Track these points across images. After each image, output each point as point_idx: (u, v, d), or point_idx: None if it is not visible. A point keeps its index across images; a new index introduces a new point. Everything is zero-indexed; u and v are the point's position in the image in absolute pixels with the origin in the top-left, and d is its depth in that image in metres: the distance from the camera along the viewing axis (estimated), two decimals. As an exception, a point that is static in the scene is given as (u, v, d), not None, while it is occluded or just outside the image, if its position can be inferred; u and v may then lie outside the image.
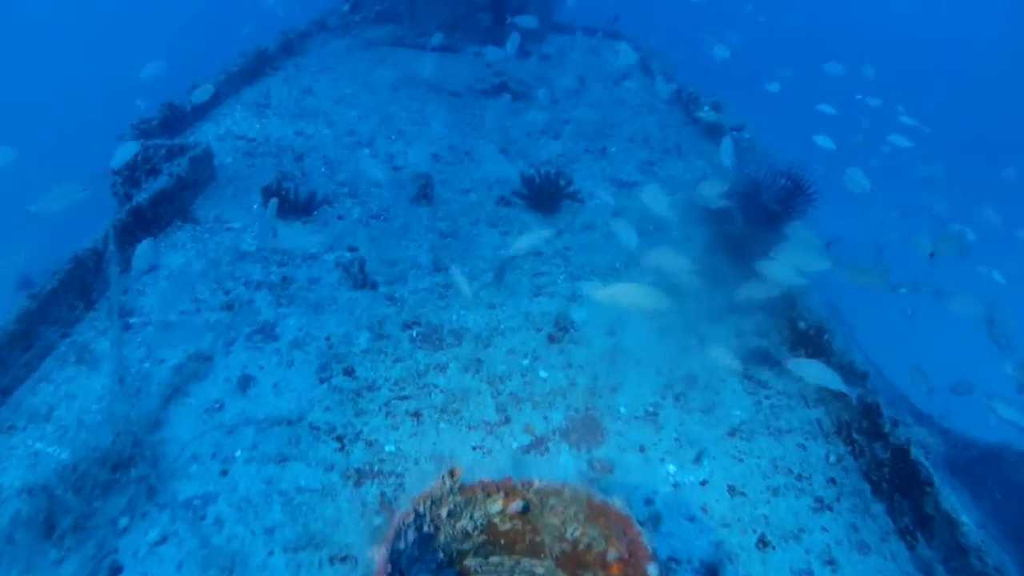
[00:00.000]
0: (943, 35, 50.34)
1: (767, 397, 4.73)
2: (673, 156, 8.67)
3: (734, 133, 8.45)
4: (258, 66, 10.26)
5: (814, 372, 4.21)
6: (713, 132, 8.94)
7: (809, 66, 11.59)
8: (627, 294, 4.10)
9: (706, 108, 9.35)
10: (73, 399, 4.22)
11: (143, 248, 5.22)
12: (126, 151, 5.83)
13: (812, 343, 4.99)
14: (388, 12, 13.44)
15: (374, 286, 5.37)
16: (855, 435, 4.39)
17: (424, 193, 6.65)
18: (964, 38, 50.09)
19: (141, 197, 5.86)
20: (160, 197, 6.01)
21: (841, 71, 11.38)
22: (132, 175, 6.92)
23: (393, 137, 8.38)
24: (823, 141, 8.92)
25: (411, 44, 12.53)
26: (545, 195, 6.61)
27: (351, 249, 5.91)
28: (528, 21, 9.76)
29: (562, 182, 6.67)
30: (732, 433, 4.37)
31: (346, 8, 13.28)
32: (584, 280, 5.71)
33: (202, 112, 8.54)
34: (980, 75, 45.34)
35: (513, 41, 9.45)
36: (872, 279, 4.98)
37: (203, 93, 8.09)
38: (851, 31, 46.20)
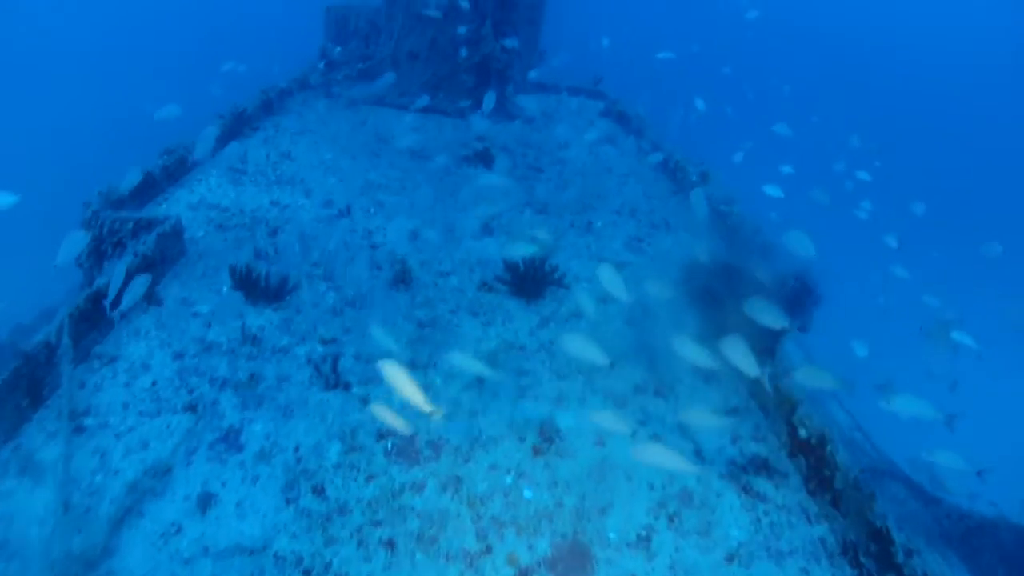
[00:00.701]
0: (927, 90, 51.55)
1: (766, 513, 4.43)
2: (662, 231, 8.46)
3: (723, 207, 8.28)
4: (236, 127, 10.00)
5: (657, 457, 3.94)
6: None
7: (801, 125, 11.56)
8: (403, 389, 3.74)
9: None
10: (9, 522, 3.84)
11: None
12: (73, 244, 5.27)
13: (813, 453, 4.71)
14: (370, 71, 13.28)
15: (347, 387, 5.02)
16: (862, 558, 4.12)
17: (402, 278, 6.33)
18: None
19: (102, 281, 5.52)
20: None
21: (789, 132, 11.45)
22: (98, 247, 6.60)
23: (372, 210, 8.08)
24: (772, 190, 8.88)
25: (393, 104, 12.34)
26: (529, 281, 6.31)
27: (324, 342, 5.57)
28: (529, 102, 9.80)
29: (547, 268, 6.39)
30: (730, 559, 4.07)
31: (321, 66, 13.11)
32: (568, 379, 5.38)
33: (178, 178, 8.23)
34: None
35: (489, 100, 9.35)
36: (826, 381, 4.74)
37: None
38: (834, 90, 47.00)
